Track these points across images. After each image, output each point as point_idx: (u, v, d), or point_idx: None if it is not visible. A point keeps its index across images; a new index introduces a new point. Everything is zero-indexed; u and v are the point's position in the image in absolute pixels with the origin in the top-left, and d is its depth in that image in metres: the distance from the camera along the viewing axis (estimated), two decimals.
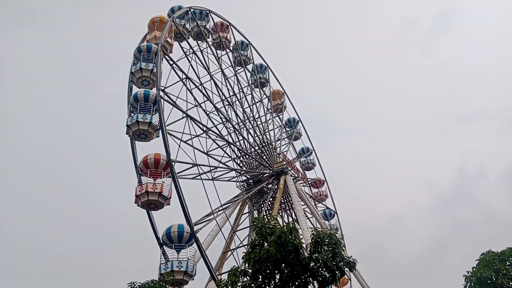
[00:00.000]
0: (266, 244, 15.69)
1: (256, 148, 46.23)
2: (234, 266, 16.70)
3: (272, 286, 15.11)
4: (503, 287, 10.96)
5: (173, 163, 32.51)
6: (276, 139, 51.70)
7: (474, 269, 11.19)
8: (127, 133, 33.90)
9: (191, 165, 35.85)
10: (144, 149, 35.47)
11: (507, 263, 11.14)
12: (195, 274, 31.38)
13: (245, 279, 15.57)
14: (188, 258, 30.66)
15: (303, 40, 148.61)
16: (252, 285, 15.24)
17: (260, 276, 15.23)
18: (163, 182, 31.99)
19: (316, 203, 55.72)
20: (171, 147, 33.65)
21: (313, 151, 58.91)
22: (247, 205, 46.05)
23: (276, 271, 15.20)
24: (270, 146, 48.44)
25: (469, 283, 11.07)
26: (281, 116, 57.59)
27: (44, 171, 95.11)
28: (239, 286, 15.45)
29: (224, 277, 16.13)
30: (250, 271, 15.35)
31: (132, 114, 34.32)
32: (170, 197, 31.93)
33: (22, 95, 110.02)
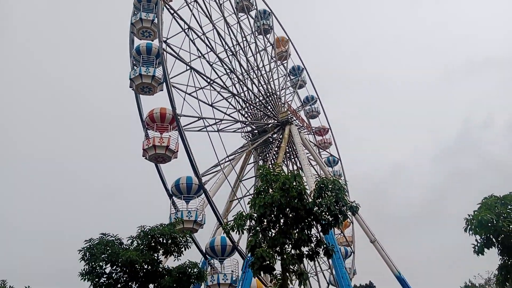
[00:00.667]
0: (271, 190, 16.02)
1: (261, 98, 45.77)
2: (240, 211, 17.17)
3: (276, 229, 15.60)
4: (503, 229, 11.18)
5: (179, 117, 32.35)
6: (281, 88, 51.01)
7: (475, 212, 11.38)
8: (130, 87, 33.44)
9: (197, 118, 35.77)
10: (149, 102, 35.35)
11: (509, 207, 11.28)
12: (204, 223, 32.59)
13: (250, 223, 16.04)
14: (197, 208, 31.62)
15: None
16: (258, 228, 15.72)
17: (265, 220, 15.69)
18: (169, 136, 32.14)
19: (320, 150, 56.22)
20: (175, 100, 33.20)
21: (318, 99, 58.39)
22: (252, 155, 46.45)
23: (281, 215, 15.64)
24: (275, 96, 47.92)
25: (469, 226, 11.30)
26: (285, 64, 56.37)
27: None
28: (245, 229, 15.96)
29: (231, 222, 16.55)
30: (255, 215, 15.77)
31: (135, 67, 33.64)
32: (177, 151, 32.23)
33: None
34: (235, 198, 40.35)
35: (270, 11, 53.71)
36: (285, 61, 56.15)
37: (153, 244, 18.35)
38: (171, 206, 32.72)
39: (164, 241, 18.58)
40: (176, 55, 36.10)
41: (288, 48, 55.99)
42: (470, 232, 11.43)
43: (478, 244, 11.48)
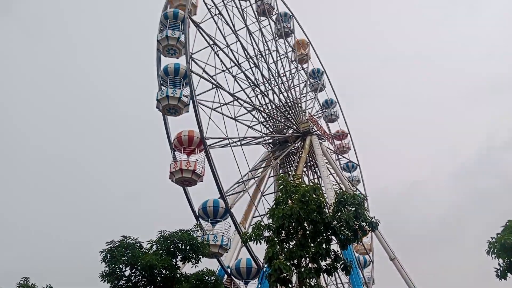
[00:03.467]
0: (290, 201, 16.06)
1: (282, 109, 46.27)
2: (259, 220, 17.26)
3: (294, 241, 15.59)
4: None
5: (206, 140, 32.84)
6: (301, 93, 51.24)
7: (498, 235, 11.16)
8: (157, 107, 33.74)
9: (223, 139, 36.48)
10: (175, 122, 35.86)
11: None
12: (229, 248, 33.03)
13: (269, 233, 16.07)
14: (223, 233, 32.00)
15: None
16: (275, 239, 15.74)
17: (283, 232, 15.71)
18: (196, 160, 32.58)
19: (340, 156, 56.21)
20: (201, 117, 33.64)
21: (337, 103, 58.23)
22: (273, 168, 46.80)
23: (299, 228, 15.63)
24: (296, 105, 48.26)
25: (492, 249, 11.08)
26: (305, 68, 56.55)
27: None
28: (263, 239, 16.01)
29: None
30: (274, 226, 15.81)
31: (162, 87, 33.85)
32: (203, 175, 32.71)
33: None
34: (259, 215, 40.69)
35: (291, 14, 54.18)
36: (306, 64, 56.41)
37: (171, 249, 18.64)
38: (197, 226, 33.42)
39: (183, 247, 18.85)
40: (202, 76, 36.32)
41: (309, 51, 56.26)
42: (493, 256, 11.18)
43: (501, 268, 11.22)
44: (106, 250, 18.12)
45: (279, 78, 48.30)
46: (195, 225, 20.12)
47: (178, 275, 18.47)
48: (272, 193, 44.40)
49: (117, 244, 18.24)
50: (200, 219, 33.33)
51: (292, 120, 46.66)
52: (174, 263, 18.56)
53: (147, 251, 18.55)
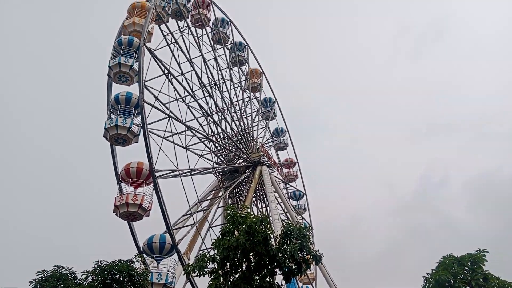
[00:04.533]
0: (236, 232, 15.87)
1: (234, 139, 46.62)
2: (203, 251, 16.82)
3: (239, 274, 15.31)
4: None
5: (156, 173, 31.98)
6: (253, 123, 52.24)
7: (433, 271, 11.66)
8: (104, 136, 32.34)
9: (173, 171, 35.72)
10: (123, 151, 34.37)
11: (465, 267, 11.63)
12: (174, 286, 31.65)
13: (213, 265, 15.69)
14: (168, 270, 30.74)
15: (293, 34, 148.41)
16: (219, 271, 15.38)
17: (228, 264, 15.40)
18: (144, 193, 31.47)
19: (287, 184, 57.18)
20: (151, 147, 32.65)
21: (287, 132, 59.85)
22: (223, 198, 46.53)
23: (244, 260, 15.41)
24: (247, 134, 48.87)
25: (427, 284, 11.53)
26: (258, 97, 57.70)
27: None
28: (206, 272, 15.58)
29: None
30: (218, 258, 15.48)
31: (112, 116, 32.63)
32: (150, 209, 31.56)
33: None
34: (205, 248, 39.84)
35: (245, 43, 55.58)
36: (258, 93, 57.75)
37: (108, 281, 17.55)
38: (141, 265, 31.82)
39: (121, 278, 17.83)
40: (155, 106, 35.52)
41: (261, 80, 57.86)
42: None
43: None
44: (36, 280, 16.72)
45: (232, 107, 48.91)
46: (135, 255, 19.09)
47: None
48: (219, 225, 43.93)
49: (48, 274, 16.90)
50: (144, 255, 31.91)
51: (243, 149, 47.02)
52: None
53: (81, 282, 17.32)
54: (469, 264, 11.62)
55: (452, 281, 11.46)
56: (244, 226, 15.73)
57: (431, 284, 11.54)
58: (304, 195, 57.91)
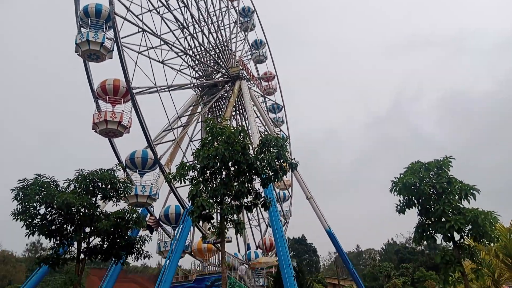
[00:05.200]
0: (216, 143, 16.18)
1: (212, 53, 45.15)
2: (183, 161, 17.25)
3: (218, 181, 15.95)
4: (424, 192, 12.35)
5: (133, 90, 30.85)
6: (232, 34, 50.41)
7: (401, 175, 12.42)
8: (76, 52, 30.46)
9: (151, 88, 34.64)
10: (98, 67, 32.81)
11: (431, 172, 12.39)
12: (158, 197, 32.59)
13: (193, 173, 16.20)
14: (151, 183, 31.45)
15: None
16: (200, 179, 15.96)
17: (208, 172, 15.94)
18: (122, 111, 30.66)
19: (266, 98, 57.53)
20: (126, 61, 31.23)
21: (266, 44, 58.47)
22: (203, 112, 46.52)
23: (223, 168, 15.96)
24: (226, 47, 47.38)
25: (395, 187, 12.34)
26: (236, 6, 54.90)
27: None
28: (187, 179, 16.12)
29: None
30: (198, 166, 15.94)
31: (82, 29, 30.45)
32: (130, 126, 31.11)
33: None
34: (187, 162, 40.75)
35: None
36: (236, 1, 54.93)
37: (91, 188, 18.02)
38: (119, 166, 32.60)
39: (103, 185, 18.30)
40: (127, 19, 33.18)
41: None
42: (395, 193, 12.48)
43: (401, 204, 12.62)
44: (18, 188, 16.99)
45: (209, 18, 46.58)
46: (116, 165, 19.37)
47: (98, 213, 18.08)
48: (199, 139, 44.60)
49: (30, 182, 17.14)
50: (127, 169, 32.53)
51: (222, 64, 45.96)
52: (93, 202, 18.04)
53: (64, 190, 17.73)
54: (435, 169, 12.37)
55: (418, 184, 12.28)
56: (223, 137, 15.97)
57: (398, 187, 12.34)
58: (283, 108, 58.54)
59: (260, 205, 16.44)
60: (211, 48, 45.32)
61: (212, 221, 15.59)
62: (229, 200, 16.04)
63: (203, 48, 44.54)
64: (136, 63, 33.33)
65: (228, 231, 16.69)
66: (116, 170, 19.00)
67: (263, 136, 16.66)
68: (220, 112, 46.82)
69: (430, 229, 12.37)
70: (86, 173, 18.05)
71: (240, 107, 48.97)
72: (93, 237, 18.33)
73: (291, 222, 55.98)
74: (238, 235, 16.08)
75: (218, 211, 15.71)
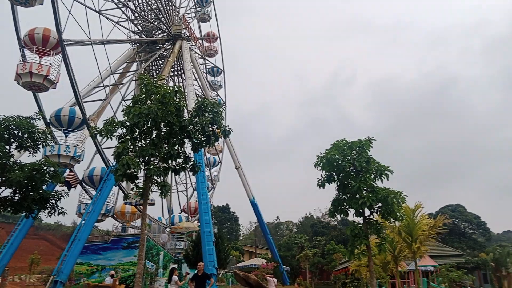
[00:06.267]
0: (149, 102, 15.63)
1: (154, 7, 42.88)
2: (112, 116, 16.51)
3: (148, 141, 15.52)
4: (344, 169, 13.23)
5: (65, 43, 28.27)
6: None
7: (326, 151, 13.14)
8: None
9: (85, 41, 32.00)
10: (28, 13, 29.70)
11: (354, 151, 13.27)
12: (82, 159, 30.92)
13: (122, 130, 15.57)
14: (77, 144, 29.53)
15: None
16: (128, 137, 15.39)
17: (138, 130, 15.42)
18: (50, 64, 28.36)
19: (206, 60, 56.68)
20: (59, 10, 28.58)
21: (212, 2, 57.08)
22: (138, 68, 44.51)
23: (154, 128, 15.52)
24: (170, 2, 45.34)
25: (319, 162, 13.04)
26: None
27: None
28: (114, 136, 15.47)
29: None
30: (128, 123, 15.33)
31: None
32: (57, 82, 28.73)
33: None
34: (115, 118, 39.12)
35: None
36: None
37: (6, 135, 16.58)
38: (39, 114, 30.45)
39: (20, 134, 16.93)
40: None
41: None
42: (319, 168, 13.20)
43: (322, 179, 13.40)
44: None
45: None
46: (36, 113, 17.93)
47: (11, 163, 16.77)
48: (133, 98, 42.77)
49: None
50: (51, 126, 30.32)
51: (164, 19, 43.96)
52: (7, 150, 16.66)
53: None
54: (358, 148, 13.24)
55: (340, 161, 13.10)
56: (158, 96, 15.48)
57: (322, 162, 13.05)
58: (222, 72, 58.04)
59: (188, 169, 16.38)
60: (153, 2, 43.06)
61: (136, 182, 15.22)
62: (156, 161, 15.74)
63: (144, 1, 42.16)
64: (70, 12, 30.73)
65: (152, 193, 16.48)
66: (36, 119, 17.61)
67: (200, 99, 16.43)
68: (157, 72, 45.22)
69: (345, 204, 13.31)
70: (1, 119, 16.54)
71: (179, 68, 47.64)
72: (3, 188, 17.03)
73: (217, 190, 56.83)
74: (164, 200, 16.06)
75: (144, 171, 15.34)
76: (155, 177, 15.12)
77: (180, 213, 52.54)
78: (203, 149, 22.06)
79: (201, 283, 14.59)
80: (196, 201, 46.57)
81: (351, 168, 13.19)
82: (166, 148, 15.44)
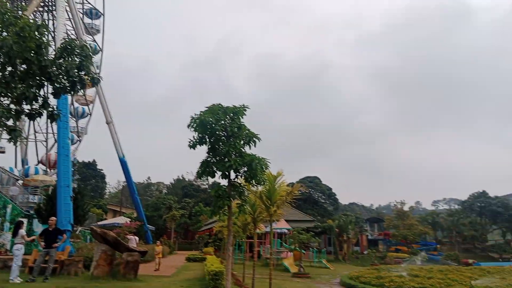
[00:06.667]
0: (5, 33, 13.38)
1: None
2: None
3: None
4: (216, 132, 13.48)
5: None
6: None
7: (201, 113, 13.16)
8: None
9: None
10: None
11: (227, 116, 13.55)
12: None
13: None
14: None
15: None
16: None
17: None
18: None
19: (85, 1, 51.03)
20: None
21: None
22: None
23: (8, 64, 13.43)
24: None
25: (193, 124, 13.00)
26: None
27: None
28: None
29: None
30: None
31: None
32: None
33: None
34: None
35: None
36: None
37: None
38: None
39: None
40: None
41: None
42: (192, 129, 13.18)
43: (194, 140, 13.43)
44: None
45: None
46: None
47: None
48: None
49: None
50: None
51: None
52: None
53: None
54: (231, 114, 13.55)
55: (214, 124, 13.28)
56: (16, 28, 13.32)
57: (196, 124, 13.05)
58: (102, 16, 52.79)
59: (46, 116, 14.66)
60: None
61: None
62: (8, 102, 13.70)
63: None
64: None
65: (1, 139, 14.43)
66: None
67: (68, 40, 14.65)
68: (25, 3, 38.86)
69: (213, 166, 13.64)
70: None
71: (50, 3, 41.73)
72: None
73: (85, 145, 52.96)
74: (18, 150, 14.13)
75: None
76: (3, 120, 13.18)
77: (37, 165, 47.49)
78: (69, 97, 20.03)
79: (52, 239, 13.55)
80: (56, 153, 42.57)
81: (223, 132, 13.47)
82: (21, 88, 13.51)
